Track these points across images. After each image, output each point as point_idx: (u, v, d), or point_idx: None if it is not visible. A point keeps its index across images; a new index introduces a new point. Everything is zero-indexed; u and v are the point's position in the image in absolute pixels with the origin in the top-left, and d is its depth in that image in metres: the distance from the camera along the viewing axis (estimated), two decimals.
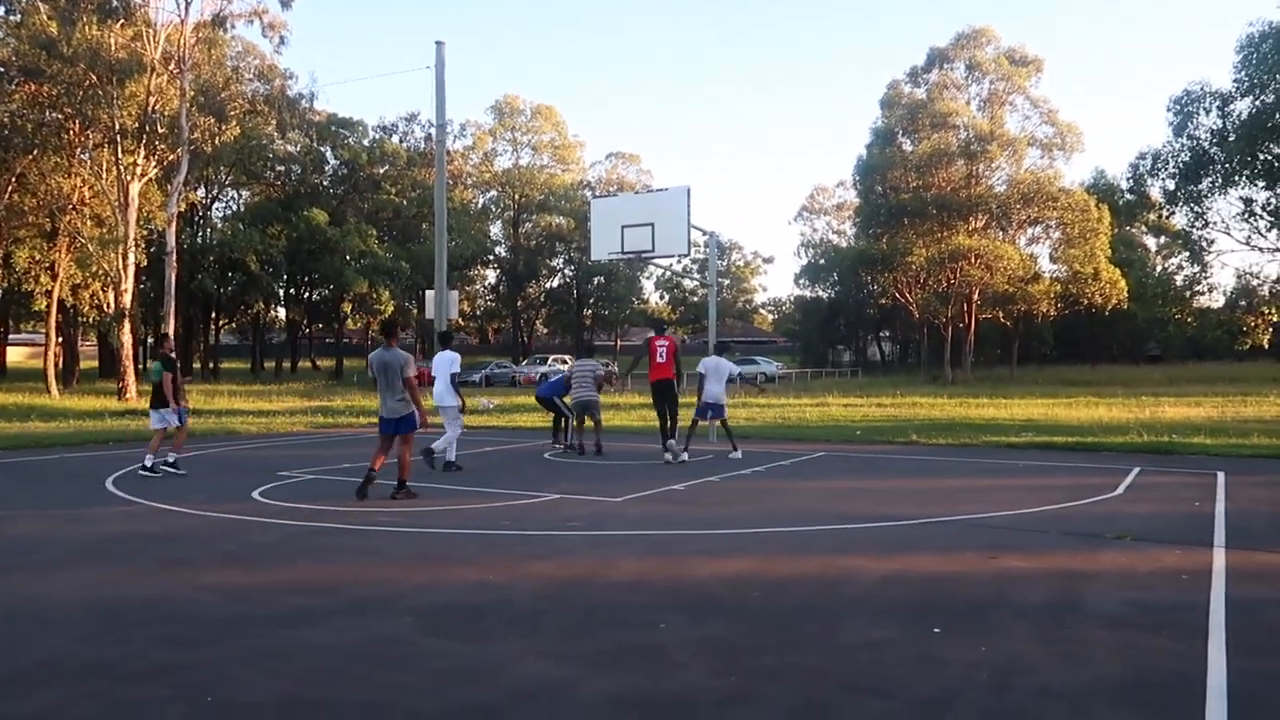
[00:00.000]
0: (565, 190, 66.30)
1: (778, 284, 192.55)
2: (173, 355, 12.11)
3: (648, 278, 74.54)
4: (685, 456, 12.89)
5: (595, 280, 67.65)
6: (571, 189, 66.74)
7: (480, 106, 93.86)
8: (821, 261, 67.23)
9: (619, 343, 77.18)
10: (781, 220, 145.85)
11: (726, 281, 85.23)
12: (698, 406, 13.38)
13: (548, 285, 72.27)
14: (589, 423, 14.20)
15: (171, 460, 11.62)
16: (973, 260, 46.00)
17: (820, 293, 69.11)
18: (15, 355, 65.32)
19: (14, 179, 30.88)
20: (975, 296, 48.06)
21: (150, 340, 49.75)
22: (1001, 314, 50.35)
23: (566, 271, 70.56)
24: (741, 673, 4.25)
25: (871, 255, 50.80)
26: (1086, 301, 48.26)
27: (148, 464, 11.30)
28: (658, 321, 20.09)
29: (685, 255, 17.61)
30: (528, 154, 67.82)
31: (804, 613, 5.28)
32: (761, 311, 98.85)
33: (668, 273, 67.58)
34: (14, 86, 30.10)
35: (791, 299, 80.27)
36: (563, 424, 14.68)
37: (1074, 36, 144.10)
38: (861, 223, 55.87)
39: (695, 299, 79.63)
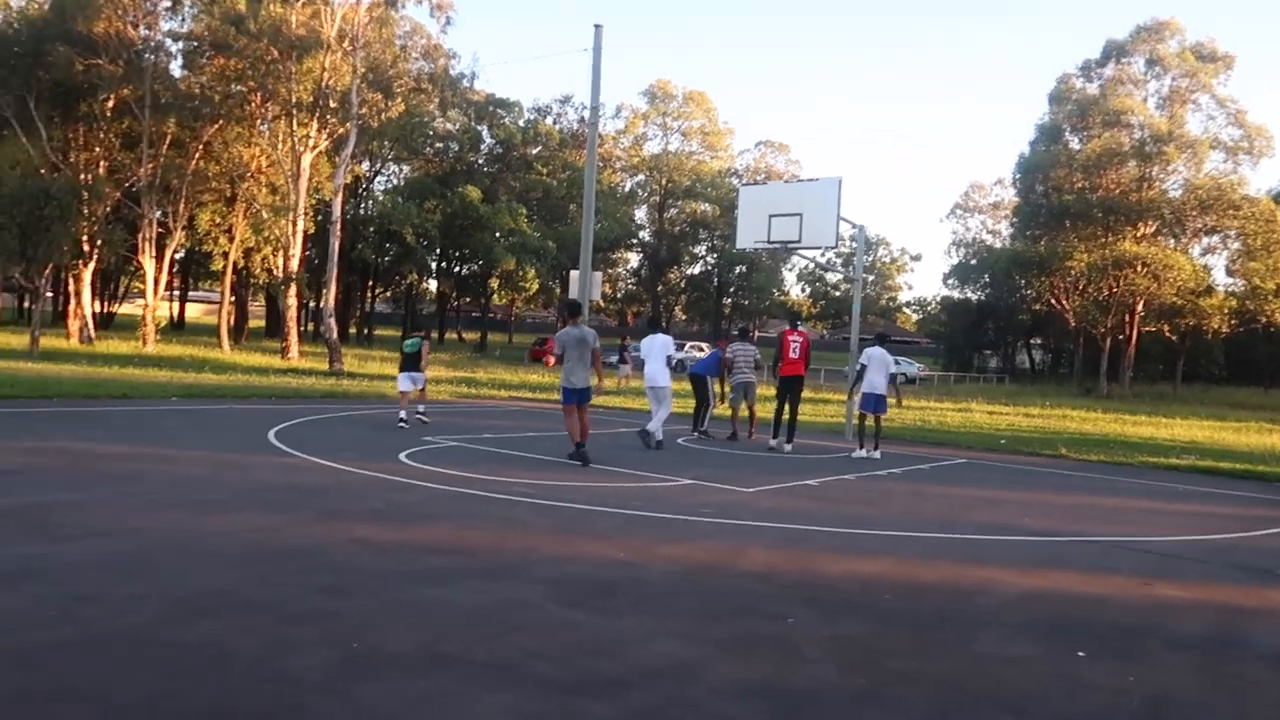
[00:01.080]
0: (712, 177, 66.25)
1: (924, 283, 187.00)
2: (428, 334, 13.96)
3: (790, 269, 73.76)
4: (878, 455, 12.93)
5: (737, 269, 67.37)
6: (718, 176, 66.64)
7: (633, 90, 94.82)
8: (973, 262, 64.78)
9: (756, 333, 76.71)
10: (932, 217, 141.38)
11: (871, 277, 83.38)
12: (861, 399, 13.19)
13: (689, 271, 72.46)
14: (744, 410, 14.30)
15: (421, 410, 13.86)
16: (1139, 269, 43.34)
17: (969, 294, 66.56)
18: (193, 311, 70.39)
19: (201, 146, 33.20)
20: (1139, 307, 45.24)
21: (312, 304, 52.61)
22: (1167, 327, 47.27)
23: (708, 259, 70.54)
24: (872, 673, 4.17)
25: (1027, 258, 48.55)
26: (1265, 319, 44.73)
27: (403, 415, 13.42)
28: (794, 315, 20.10)
29: (832, 248, 17.31)
30: (677, 139, 68.08)
31: (938, 620, 5.13)
32: (905, 310, 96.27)
33: (811, 265, 66.63)
34: (205, 60, 32.37)
35: (938, 299, 77.71)
36: (703, 411, 14.72)
37: (1269, 30, 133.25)
38: (1019, 223, 53.50)
39: (837, 294, 78.22)
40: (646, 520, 7.49)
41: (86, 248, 30.97)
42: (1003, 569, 6.43)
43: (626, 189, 67.92)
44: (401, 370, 13.94)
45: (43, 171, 29.26)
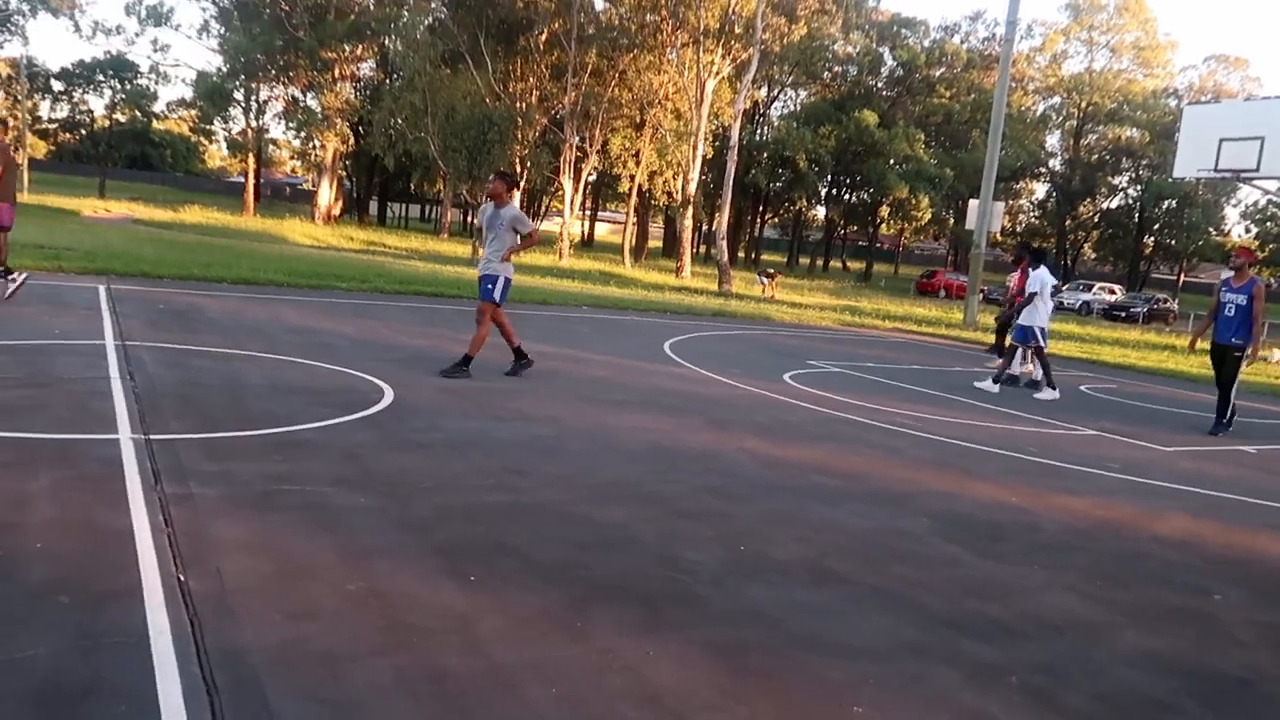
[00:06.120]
0: (1144, 99, 58.49)
1: None
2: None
3: (1233, 205, 63.54)
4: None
5: (1164, 204, 59.32)
6: (1152, 97, 58.69)
7: (1052, 4, 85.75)
8: None
9: (1181, 278, 67.41)
10: None
11: None
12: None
13: (1104, 205, 65.10)
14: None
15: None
16: None
17: None
18: (599, 230, 76.67)
19: (617, 75, 35.64)
20: None
21: (705, 227, 54.93)
22: None
23: (1130, 191, 62.84)
24: None
25: None
26: None
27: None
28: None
29: None
30: (1103, 56, 60.75)
31: None
32: None
33: (1265, 199, 56.85)
34: None
35: None
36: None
37: None
38: None
39: None
40: (1041, 467, 6.97)
41: (519, 168, 34.77)
42: None
43: (1038, 113, 62.19)
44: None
45: (486, 101, 33.18)
